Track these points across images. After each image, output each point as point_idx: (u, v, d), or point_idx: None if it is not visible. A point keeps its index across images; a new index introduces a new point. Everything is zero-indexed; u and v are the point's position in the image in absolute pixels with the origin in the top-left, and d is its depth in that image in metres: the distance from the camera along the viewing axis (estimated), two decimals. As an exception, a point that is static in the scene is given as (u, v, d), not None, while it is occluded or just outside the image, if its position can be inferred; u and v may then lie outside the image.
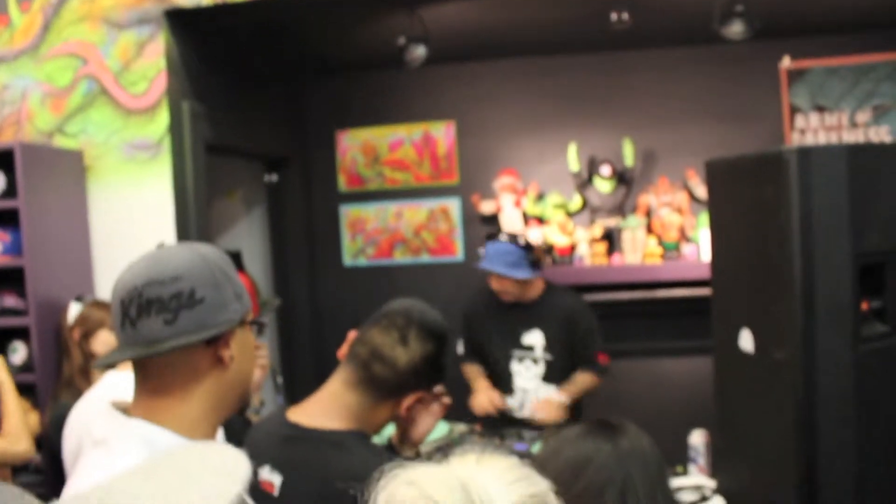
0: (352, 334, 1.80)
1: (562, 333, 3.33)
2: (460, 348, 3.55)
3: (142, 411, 1.23)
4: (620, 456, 1.36)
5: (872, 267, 2.18)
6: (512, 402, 3.33)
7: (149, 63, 3.16)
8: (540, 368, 3.33)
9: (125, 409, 1.26)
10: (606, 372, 3.38)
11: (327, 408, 1.75)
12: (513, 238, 3.30)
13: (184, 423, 1.23)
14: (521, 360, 3.36)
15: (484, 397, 3.34)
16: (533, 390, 3.32)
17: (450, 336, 1.81)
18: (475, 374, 3.48)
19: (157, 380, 1.23)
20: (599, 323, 3.43)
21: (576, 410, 3.35)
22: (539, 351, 3.34)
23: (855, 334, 2.13)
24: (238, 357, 1.27)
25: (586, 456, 1.37)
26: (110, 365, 1.31)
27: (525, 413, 3.30)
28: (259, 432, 1.89)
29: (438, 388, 2.03)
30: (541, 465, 1.41)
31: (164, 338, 1.18)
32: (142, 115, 3.17)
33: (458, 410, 3.37)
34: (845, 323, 2.12)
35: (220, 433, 1.91)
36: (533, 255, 3.28)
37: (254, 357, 1.35)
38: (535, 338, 3.36)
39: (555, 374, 3.32)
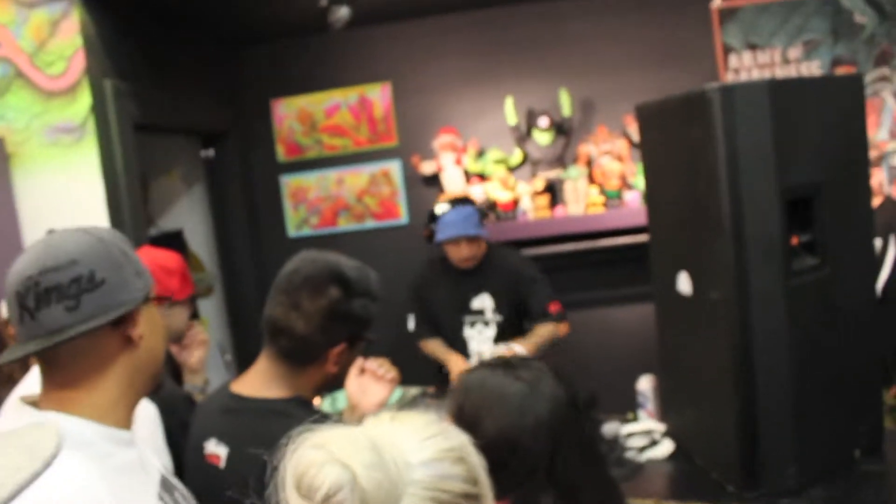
0: None
1: (509, 293, 3.34)
2: (411, 324, 3.53)
3: (52, 403, 1.19)
4: (535, 396, 1.36)
5: (800, 201, 2.20)
6: None
7: (65, 42, 3.05)
8: (491, 331, 3.35)
9: (34, 403, 1.22)
10: (565, 318, 3.39)
11: (264, 378, 1.74)
12: (463, 200, 3.27)
13: (98, 410, 1.20)
14: (472, 324, 3.37)
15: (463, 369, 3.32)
16: (487, 353, 3.32)
17: (352, 274, 1.72)
18: (441, 350, 3.45)
19: (65, 370, 1.19)
20: (544, 274, 3.44)
21: None
22: (489, 313, 3.35)
23: (786, 269, 2.15)
24: (147, 335, 1.24)
25: (500, 393, 1.37)
26: (21, 360, 1.27)
27: None
28: (204, 407, 1.88)
29: (382, 361, 2.02)
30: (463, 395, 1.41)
31: (68, 325, 1.14)
32: (62, 97, 3.07)
33: (408, 376, 3.37)
34: (776, 258, 2.14)
35: (156, 413, 1.89)
36: (480, 211, 3.27)
37: (163, 334, 1.32)
38: (483, 301, 3.36)
39: (506, 334, 3.33)
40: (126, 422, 1.25)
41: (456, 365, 3.32)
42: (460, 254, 3.27)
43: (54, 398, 1.19)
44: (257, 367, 1.76)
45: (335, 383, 1.83)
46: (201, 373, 2.55)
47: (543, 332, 3.33)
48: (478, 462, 0.87)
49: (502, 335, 3.33)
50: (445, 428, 0.87)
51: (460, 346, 3.39)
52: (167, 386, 2.15)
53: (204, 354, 2.53)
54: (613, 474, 2.43)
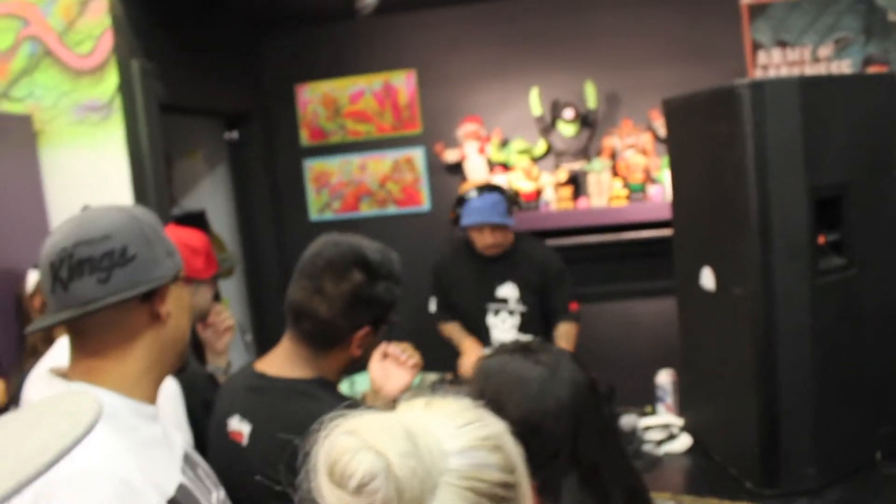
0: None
1: (535, 284, 3.32)
2: (433, 306, 3.53)
3: (81, 374, 1.21)
4: (556, 380, 1.36)
5: (828, 200, 2.18)
6: None
7: (93, 21, 3.07)
8: (515, 320, 3.33)
9: (64, 375, 1.24)
10: (580, 319, 3.39)
11: (288, 358, 1.75)
12: (493, 188, 3.26)
13: (125, 383, 1.21)
14: (496, 312, 3.35)
15: (474, 359, 3.30)
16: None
17: (375, 258, 1.72)
18: (458, 334, 3.44)
19: (94, 341, 1.21)
20: (569, 269, 3.43)
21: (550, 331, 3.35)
22: (513, 303, 3.33)
23: (812, 268, 2.14)
24: (174, 313, 1.26)
25: (520, 378, 1.37)
26: (49, 329, 1.29)
27: None
28: (229, 385, 1.90)
29: (405, 346, 2.02)
30: (484, 378, 1.42)
31: (99, 297, 1.16)
32: (90, 76, 3.09)
33: (429, 361, 3.37)
34: (802, 257, 2.13)
35: (178, 390, 1.90)
36: (510, 201, 3.26)
37: (189, 314, 1.34)
38: (508, 290, 3.34)
39: (530, 324, 3.32)
40: (151, 397, 1.26)
41: (470, 349, 3.31)
42: (484, 241, 3.26)
43: (83, 368, 1.21)
44: (281, 348, 1.78)
45: (358, 366, 1.84)
46: (225, 356, 2.57)
47: (569, 333, 3.31)
48: (515, 450, 0.85)
49: (525, 325, 3.32)
50: (482, 415, 0.85)
51: (483, 334, 3.37)
52: (190, 365, 2.17)
53: (229, 340, 2.55)
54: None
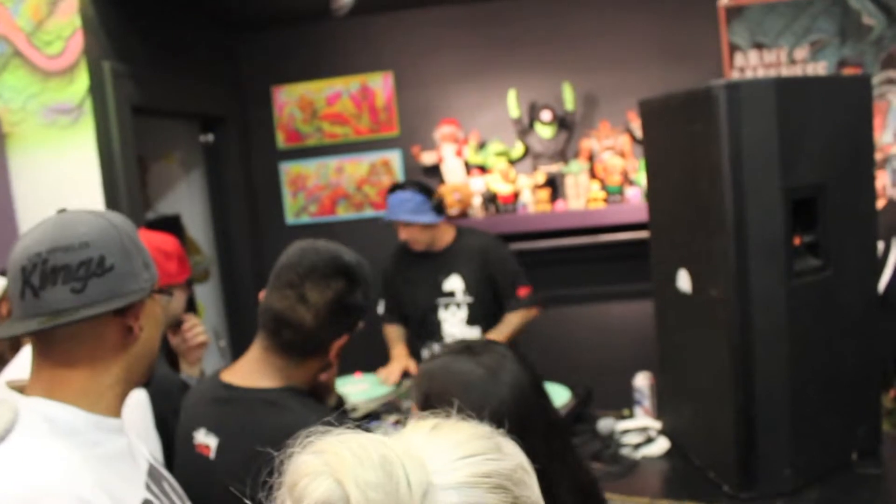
0: (261, 296, 1.75)
1: (478, 273, 3.36)
2: (381, 308, 3.54)
3: (42, 387, 1.16)
4: (497, 382, 1.34)
5: (804, 201, 2.17)
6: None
7: (63, 21, 3.01)
8: (463, 312, 3.36)
9: (21, 388, 1.19)
10: (536, 303, 3.39)
11: (257, 367, 1.71)
12: (411, 184, 3.30)
13: (88, 397, 1.17)
14: (446, 306, 3.37)
15: (396, 367, 3.36)
16: (460, 335, 3.32)
17: (354, 265, 1.71)
18: (394, 339, 3.52)
19: (60, 352, 1.16)
20: (517, 258, 3.47)
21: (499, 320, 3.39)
22: (460, 295, 3.36)
23: (787, 269, 2.13)
24: (147, 328, 1.22)
25: (463, 380, 1.35)
26: (14, 338, 1.25)
27: None
28: (193, 396, 1.85)
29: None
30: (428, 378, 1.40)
31: (72, 307, 1.12)
32: (60, 77, 3.04)
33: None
34: (778, 258, 2.12)
35: (145, 398, 1.86)
36: (434, 200, 3.27)
37: (161, 328, 1.30)
38: (454, 283, 3.37)
39: (477, 316, 3.35)
40: (116, 410, 1.22)
41: (396, 358, 3.41)
42: (407, 235, 3.33)
43: (45, 380, 1.17)
44: (250, 357, 1.74)
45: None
46: (198, 366, 2.53)
47: (512, 319, 3.34)
48: (529, 493, 0.74)
49: (474, 318, 3.35)
50: (495, 446, 0.74)
51: (434, 329, 3.40)
52: (162, 371, 2.13)
53: (202, 353, 2.52)
54: (611, 471, 2.44)
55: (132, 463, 1.23)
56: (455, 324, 3.36)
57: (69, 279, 1.12)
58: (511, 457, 0.74)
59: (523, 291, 3.37)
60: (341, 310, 1.67)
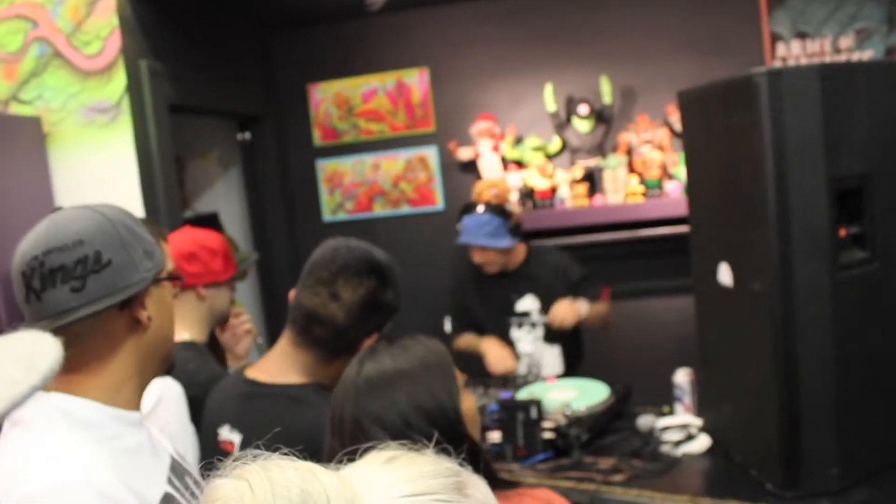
0: (291, 294, 1.74)
1: (556, 292, 3.27)
2: (448, 326, 3.50)
3: (59, 385, 1.16)
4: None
5: (849, 191, 2.11)
6: (520, 369, 3.28)
7: (101, 21, 3.04)
8: (539, 331, 3.30)
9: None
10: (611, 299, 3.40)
11: (283, 364, 1.71)
12: (490, 207, 3.22)
13: (106, 392, 1.17)
14: (519, 325, 3.32)
15: (500, 353, 3.26)
16: (537, 353, 3.29)
17: (385, 264, 1.71)
18: (473, 339, 3.40)
19: (72, 351, 1.15)
20: (589, 270, 3.40)
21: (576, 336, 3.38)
22: (535, 315, 3.30)
23: (832, 262, 2.07)
24: (156, 317, 1.21)
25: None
26: None
27: (532, 376, 3.25)
28: (218, 392, 1.85)
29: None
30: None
31: (74, 307, 1.12)
32: (98, 77, 3.07)
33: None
34: (822, 251, 2.06)
35: (180, 393, 1.86)
36: (511, 222, 3.21)
37: (172, 314, 1.29)
38: (528, 303, 3.32)
39: (554, 333, 3.28)
40: (135, 403, 1.22)
41: (490, 348, 3.27)
42: (481, 258, 3.26)
43: (60, 379, 1.16)
44: (276, 352, 1.74)
45: None
46: (245, 359, 2.54)
47: (599, 306, 3.32)
48: None
49: (550, 335, 3.29)
50: (456, 486, 0.67)
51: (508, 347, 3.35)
52: (210, 367, 2.13)
53: (250, 343, 2.52)
54: (650, 468, 2.39)
55: (153, 456, 1.23)
56: (530, 342, 3.31)
57: (68, 279, 1.12)
58: (472, 500, 0.67)
59: (606, 294, 3.35)
60: (372, 308, 1.67)
